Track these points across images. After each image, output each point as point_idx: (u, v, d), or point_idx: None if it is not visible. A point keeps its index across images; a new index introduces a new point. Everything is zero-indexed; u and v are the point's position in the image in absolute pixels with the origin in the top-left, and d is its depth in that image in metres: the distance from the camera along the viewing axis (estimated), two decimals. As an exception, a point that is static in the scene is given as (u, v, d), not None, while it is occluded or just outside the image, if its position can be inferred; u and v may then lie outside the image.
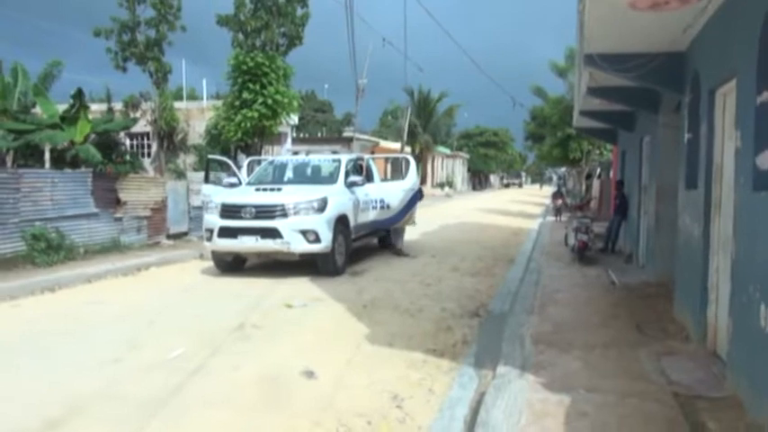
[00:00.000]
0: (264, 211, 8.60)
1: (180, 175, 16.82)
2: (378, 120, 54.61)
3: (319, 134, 40.46)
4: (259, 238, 8.54)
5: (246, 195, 9.18)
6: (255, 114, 16.25)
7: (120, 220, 12.20)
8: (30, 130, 16.63)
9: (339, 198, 9.32)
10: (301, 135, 34.56)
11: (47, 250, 10.20)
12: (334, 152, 10.82)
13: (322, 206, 8.76)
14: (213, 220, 8.90)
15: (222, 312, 6.87)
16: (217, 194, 9.55)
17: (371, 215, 10.91)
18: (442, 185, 46.14)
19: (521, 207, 31.66)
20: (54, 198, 10.75)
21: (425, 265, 10.78)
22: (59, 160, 16.95)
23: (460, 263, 11.15)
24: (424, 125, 40.36)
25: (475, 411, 4.21)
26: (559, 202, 20.97)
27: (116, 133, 18.24)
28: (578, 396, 4.26)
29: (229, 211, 8.77)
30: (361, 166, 11.32)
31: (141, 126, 19.35)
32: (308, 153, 11.01)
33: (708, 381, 4.66)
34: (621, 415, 3.96)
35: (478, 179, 68.11)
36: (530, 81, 25.73)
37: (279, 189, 9.26)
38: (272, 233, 8.49)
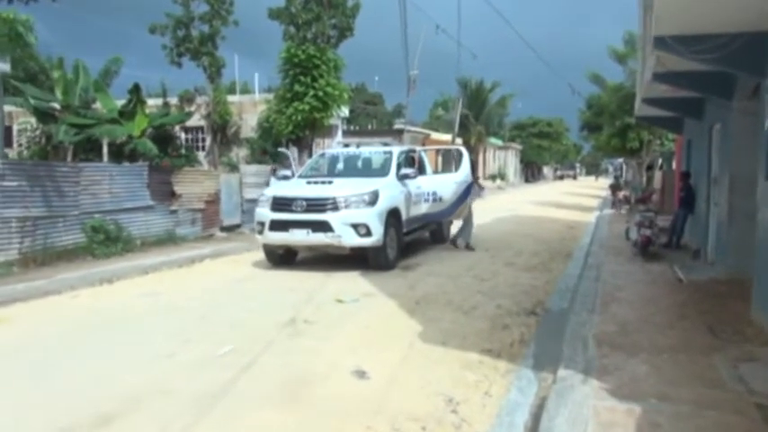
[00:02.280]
0: (315, 205, 8.52)
1: (233, 168, 17.02)
2: (429, 111, 54.11)
3: (369, 126, 40.37)
4: (310, 231, 8.46)
5: (297, 188, 9.12)
6: (306, 107, 16.27)
7: (175, 212, 12.40)
8: (90, 125, 17.16)
9: (390, 191, 9.15)
10: (352, 128, 34.62)
11: (105, 242, 10.46)
12: (386, 144, 10.64)
13: (373, 199, 8.60)
14: (265, 212, 8.88)
15: (273, 306, 6.82)
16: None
17: (424, 208, 10.68)
18: (494, 177, 45.37)
19: (576, 199, 30.78)
20: (112, 191, 11.00)
21: (479, 259, 10.49)
22: (118, 154, 17.43)
23: (515, 257, 10.81)
24: (476, 116, 39.66)
25: (536, 418, 3.97)
26: (620, 194, 20.16)
27: (171, 127, 18.62)
28: (649, 405, 3.95)
29: (280, 204, 8.72)
30: (413, 159, 11.10)
31: (196, 120, 19.72)
32: (358, 145, 10.87)
33: (794, 391, 4.26)
34: (699, 427, 3.64)
35: (531, 171, 66.73)
36: (587, 69, 24.79)
37: (330, 182, 9.16)
38: (323, 226, 8.40)
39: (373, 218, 8.49)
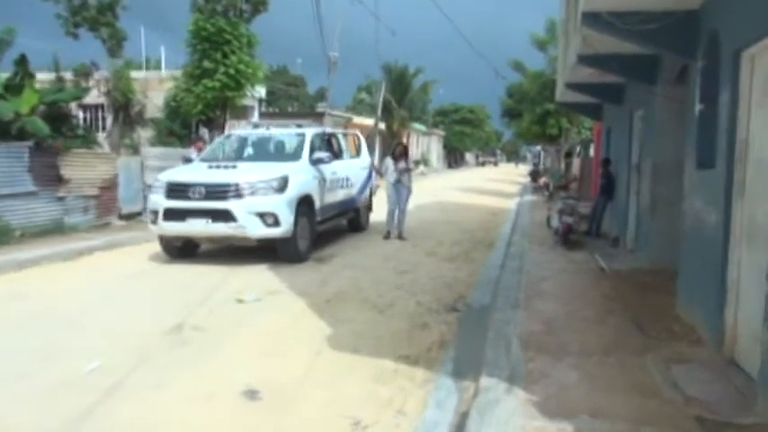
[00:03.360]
0: (216, 191, 7.60)
1: (136, 150, 15.62)
2: (352, 95, 53.16)
3: (289, 109, 39.04)
4: (210, 221, 7.54)
5: (196, 173, 8.14)
6: (217, 85, 15.12)
7: (63, 199, 11.07)
8: (-32, 101, 15.24)
9: (302, 176, 8.36)
10: (271, 109, 33.27)
11: (-26, 233, 9.09)
12: (299, 126, 9.81)
13: (282, 185, 7.78)
14: (158, 200, 7.86)
15: (161, 309, 5.91)
16: None
17: (340, 195, 9.98)
18: (417, 163, 45.18)
19: (497, 186, 31.01)
20: (-17, 175, 9.59)
21: (399, 249, 9.92)
22: (5, 134, 15.62)
23: (437, 247, 10.32)
24: (399, 101, 39.19)
25: (456, 442, 3.40)
26: (540, 180, 20.24)
27: (66, 105, 16.86)
28: (582, 423, 3.46)
29: (176, 190, 7.73)
30: (329, 142, 10.36)
31: (95, 97, 17.99)
32: (268, 127, 9.96)
33: (732, 398, 3.90)
34: (639, 451, 3.17)
35: (454, 157, 67.32)
36: (508, 57, 24.84)
37: (234, 167, 8.23)
38: (225, 216, 7.49)
39: (282, 206, 7.69)
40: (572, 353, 4.71)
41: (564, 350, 4.76)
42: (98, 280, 7.34)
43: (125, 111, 17.68)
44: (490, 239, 11.53)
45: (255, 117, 20.80)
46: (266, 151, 9.42)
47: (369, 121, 33.23)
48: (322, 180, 8.98)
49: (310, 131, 9.43)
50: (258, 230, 7.62)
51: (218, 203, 7.52)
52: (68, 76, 17.94)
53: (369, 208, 11.77)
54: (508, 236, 11.80)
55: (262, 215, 7.55)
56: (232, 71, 15.08)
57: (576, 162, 19.72)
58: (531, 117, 23.43)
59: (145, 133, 17.76)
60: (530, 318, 5.68)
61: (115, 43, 17.29)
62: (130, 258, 8.87)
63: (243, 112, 20.31)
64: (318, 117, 26.76)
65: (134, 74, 18.11)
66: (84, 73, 16.50)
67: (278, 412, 3.70)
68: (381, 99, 28.14)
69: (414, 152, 48.43)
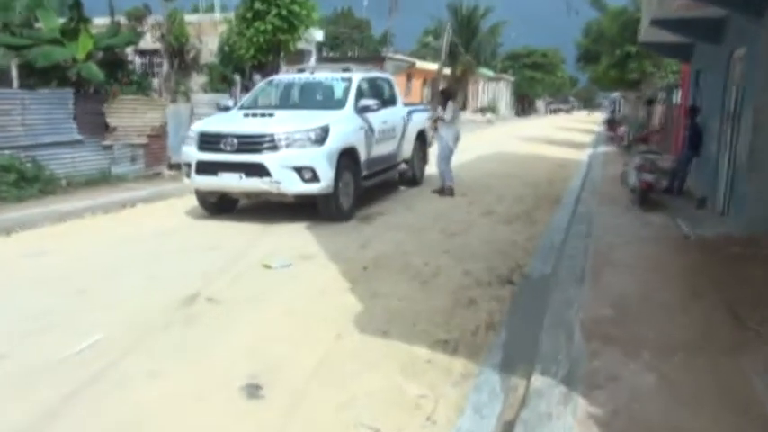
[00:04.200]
0: (249, 143, 6.95)
1: (189, 97, 15.26)
2: (418, 39, 51.17)
3: (350, 53, 37.93)
4: (243, 175, 6.94)
5: (231, 123, 7.51)
6: (269, 27, 14.40)
7: (109, 148, 10.83)
8: (27, 46, 15.23)
9: (345, 126, 7.58)
10: (332, 54, 32.35)
11: (18, 183, 8.94)
12: (346, 69, 8.97)
13: (321, 137, 7.04)
14: (190, 152, 7.32)
15: (181, 275, 5.40)
16: None
17: (389, 147, 9.17)
18: (483, 110, 43.40)
19: (568, 135, 29.18)
20: (26, 123, 9.38)
21: (453, 206, 9.09)
22: (63, 80, 15.61)
23: (496, 204, 9.41)
24: (466, 45, 37.35)
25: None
26: (618, 130, 18.54)
27: (122, 50, 16.64)
28: (661, 459, 2.66)
29: (208, 142, 7.15)
30: (380, 87, 9.49)
31: (151, 43, 17.70)
32: (313, 71, 9.17)
33: None
34: None
35: (523, 104, 64.47)
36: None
37: (271, 115, 7.54)
38: (259, 170, 6.87)
39: (321, 159, 6.98)
40: (647, 347, 3.85)
41: (637, 343, 3.91)
42: (127, 237, 6.94)
43: (180, 56, 17.33)
44: (556, 196, 10.49)
45: (312, 62, 20.01)
46: (309, 98, 8.68)
47: (433, 67, 31.77)
48: (369, 131, 8.18)
49: (357, 76, 8.58)
50: (295, 186, 6.97)
51: (251, 156, 6.88)
52: (123, 22, 17.70)
53: (424, 160, 10.91)
54: (577, 192, 10.71)
55: (299, 170, 6.88)
56: (284, 12, 14.28)
57: (658, 110, 17.91)
58: (610, 60, 21.43)
59: (200, 79, 17.38)
60: (596, 298, 4.81)
61: (169, -16, 16.76)
62: (170, 212, 8.48)
63: (299, 57, 19.56)
64: (379, 62, 25.70)
65: (188, 17, 17.61)
66: (137, 17, 16.14)
67: (278, 416, 3.08)
68: (446, 42, 26.61)
69: (480, 99, 46.54)
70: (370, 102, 8.05)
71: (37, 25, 17.46)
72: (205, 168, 7.13)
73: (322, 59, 23.35)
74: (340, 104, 7.95)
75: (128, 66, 17.30)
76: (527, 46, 61.00)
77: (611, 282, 5.27)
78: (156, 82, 18.20)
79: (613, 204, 9.34)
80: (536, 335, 4.14)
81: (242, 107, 8.40)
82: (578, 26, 26.65)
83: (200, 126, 7.53)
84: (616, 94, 34.64)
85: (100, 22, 17.14)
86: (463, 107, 40.65)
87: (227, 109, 8.42)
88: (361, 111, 8.02)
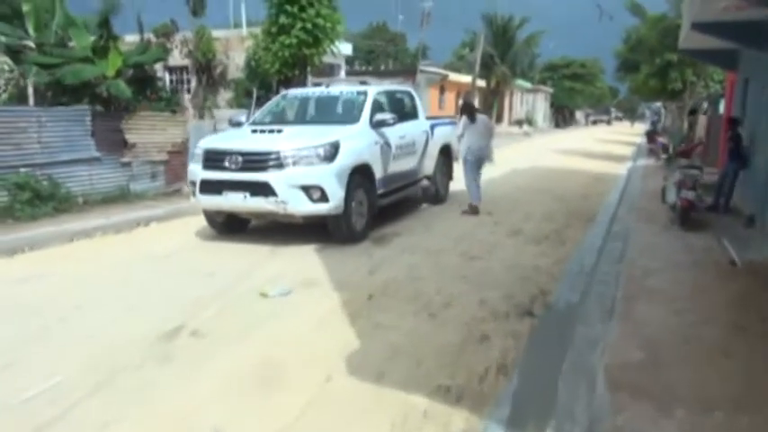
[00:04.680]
0: (254, 161, 6.59)
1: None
2: (454, 52, 50.70)
3: (382, 67, 37.70)
4: (248, 195, 6.57)
5: (236, 139, 7.17)
6: (293, 42, 14.17)
7: (128, 165, 10.68)
8: (58, 65, 15.41)
9: (358, 142, 7.16)
10: (363, 68, 32.16)
11: (32, 201, 8.82)
12: (363, 83, 8.59)
13: (331, 153, 6.64)
14: (195, 170, 7.01)
15: (170, 303, 5.03)
16: None
17: (410, 163, 8.72)
18: (520, 122, 42.56)
19: (608, 147, 28.19)
20: (42, 140, 9.29)
21: (477, 226, 8.56)
22: (94, 97, 15.74)
23: (523, 223, 8.84)
24: (501, 55, 36.66)
25: None
26: (659, 140, 17.67)
27: (151, 67, 16.72)
28: None
29: (213, 159, 6.82)
30: (400, 101, 9.07)
31: (181, 59, 17.77)
32: (328, 85, 8.81)
33: None
34: None
35: (562, 115, 63.12)
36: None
37: (279, 131, 7.18)
38: (264, 189, 6.49)
39: (330, 178, 6.57)
40: (682, 402, 3.29)
41: (671, 396, 3.35)
42: (128, 260, 6.63)
43: (208, 72, 17.33)
44: (590, 213, 9.84)
45: (342, 75, 19.79)
46: (322, 113, 8.32)
47: (467, 79, 31.25)
48: (385, 146, 7.75)
49: (374, 89, 8.18)
50: (302, 206, 6.57)
51: (255, 175, 6.51)
52: (153, 39, 17.81)
53: (448, 176, 10.42)
54: (613, 209, 10.05)
55: (306, 189, 6.48)
56: (309, 26, 14.05)
57: (701, 121, 16.98)
58: (649, 69, 20.55)
59: (227, 95, 17.32)
60: (626, 336, 4.24)
61: (197, 1, 16.81)
62: (181, 232, 8.20)
63: (328, 71, 19.38)
64: (411, 74, 25.35)
65: (216, 33, 17.62)
66: (164, 33, 16.19)
67: (237, 487, 2.64)
68: (480, 53, 26.10)
69: (517, 111, 45.70)
70: (387, 116, 7.63)
71: (71, 44, 17.73)
72: (209, 187, 6.81)
73: (352, 73, 23.14)
74: (354, 119, 7.54)
75: (157, 82, 17.38)
76: (565, 56, 59.85)
77: (645, 316, 4.68)
78: (186, 98, 18.27)
79: (651, 222, 8.68)
80: (553, 381, 3.62)
81: (253, 122, 8.08)
82: (618, 36, 25.79)
83: (206, 143, 7.22)
84: (658, 104, 33.43)
85: (131, 39, 17.30)
86: (499, 119, 39.93)
87: (239, 125, 8.12)
88: (377, 125, 7.60)
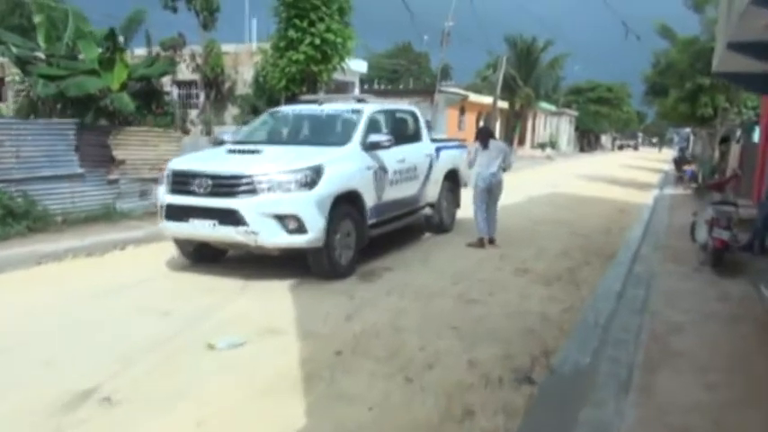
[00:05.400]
0: (223, 185, 5.82)
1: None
2: (477, 73, 50.04)
3: (401, 86, 37.13)
4: (216, 223, 5.81)
5: (209, 160, 6.43)
6: (301, 57, 13.57)
7: (114, 182, 10.06)
8: (64, 77, 15.05)
9: (346, 166, 6.38)
10: (383, 87, 31.59)
11: (3, 219, 8.21)
12: (360, 100, 7.86)
13: (311, 179, 5.85)
14: (161, 194, 6.30)
15: (100, 353, 4.24)
16: None
17: (410, 189, 7.92)
18: (543, 146, 41.56)
19: (634, 174, 27.11)
20: (21, 155, 8.70)
21: (482, 261, 7.70)
22: (99, 111, 15.33)
23: (534, 260, 7.96)
24: (525, 78, 35.88)
25: None
26: (688, 170, 16.63)
27: (157, 81, 16.27)
28: None
29: (180, 182, 6.09)
30: (401, 121, 8.31)
31: (189, 74, 17.31)
32: (321, 102, 8.06)
33: None
34: None
35: (587, 140, 61.91)
36: (655, 21, 20.91)
37: (257, 152, 6.43)
38: (233, 217, 5.71)
39: (308, 206, 5.78)
40: None
41: None
42: (81, 293, 5.86)
43: (216, 87, 16.83)
44: (610, 249, 8.90)
45: (356, 93, 19.15)
46: (311, 133, 7.58)
47: (488, 100, 30.50)
48: (380, 170, 6.97)
49: (370, 108, 7.42)
50: (276, 238, 5.78)
51: (224, 201, 5.75)
52: (163, 53, 17.39)
53: (454, 204, 9.59)
54: (636, 245, 9.09)
55: (281, 218, 5.70)
56: (318, 41, 13.44)
57: (734, 150, 15.94)
58: (679, 93, 19.55)
59: (234, 111, 16.78)
60: (644, 422, 3.36)
61: (208, 15, 16.37)
62: (154, 258, 7.47)
63: (343, 88, 18.76)
64: (429, 94, 24.69)
65: (226, 47, 17.14)
66: (171, 46, 15.74)
67: None
68: (501, 75, 25.34)
69: (540, 134, 44.73)
70: (382, 137, 6.85)
71: (81, 57, 17.40)
72: (175, 213, 6.07)
73: (368, 92, 22.51)
74: (344, 140, 6.77)
75: (163, 96, 16.93)
76: (591, 80, 58.80)
77: (669, 391, 3.79)
78: (193, 113, 17.78)
79: (679, 263, 7.74)
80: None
81: (236, 141, 7.36)
82: (647, 61, 24.79)
83: (174, 163, 6.50)
84: (687, 130, 32.25)
85: (142, 53, 16.91)
86: (521, 142, 39.02)
87: (221, 143, 7.43)
88: (370, 147, 6.82)
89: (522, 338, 4.93)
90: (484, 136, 8.92)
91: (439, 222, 9.03)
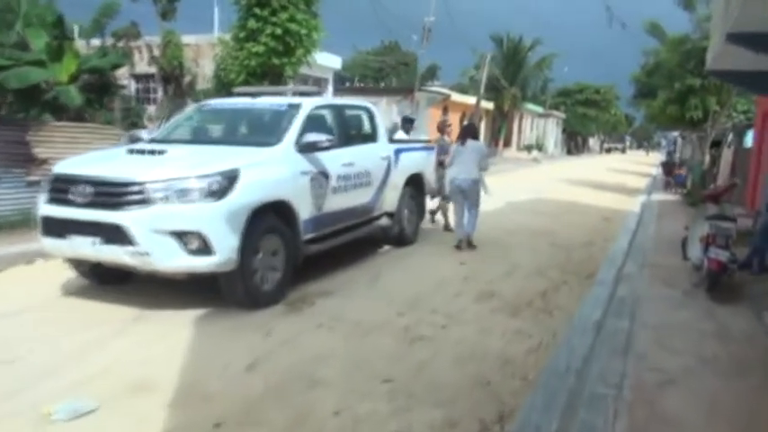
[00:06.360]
0: (107, 193, 4.67)
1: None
2: (460, 72, 49.05)
3: (382, 85, 36.02)
4: (99, 241, 4.70)
5: (100, 162, 5.27)
6: (261, 50, 12.46)
7: (35, 184, 8.87)
8: (7, 67, 13.82)
9: (272, 171, 5.26)
10: (361, 84, 30.48)
11: None
12: (303, 94, 6.76)
13: (222, 187, 4.73)
14: (40, 203, 5.16)
15: None
16: None
17: (361, 197, 6.84)
18: (529, 148, 40.62)
19: (621, 178, 26.23)
20: None
21: (442, 281, 6.62)
22: (45, 105, 14.13)
23: (503, 280, 6.91)
24: (511, 78, 34.90)
25: None
26: (677, 174, 15.74)
27: (111, 73, 15.05)
28: None
29: (59, 189, 4.93)
30: (353, 119, 7.23)
31: (147, 67, 16.11)
32: (255, 96, 6.88)
33: None
34: None
35: (575, 142, 61.17)
36: (644, 19, 20.00)
37: (161, 152, 5.31)
38: (118, 234, 4.61)
39: (215, 221, 4.66)
40: None
41: None
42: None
43: (176, 81, 15.64)
44: (592, 266, 7.88)
45: (329, 90, 18.06)
46: (238, 130, 6.48)
47: (473, 100, 29.49)
48: (319, 176, 5.86)
49: (311, 102, 6.31)
50: (172, 261, 4.64)
51: (105, 214, 4.62)
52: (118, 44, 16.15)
53: (418, 213, 8.53)
54: (620, 261, 8.08)
55: (179, 235, 4.59)
56: (279, 31, 12.34)
57: (726, 155, 15.03)
58: (668, 95, 18.63)
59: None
60: None
61: (167, 3, 15.19)
62: (55, 276, 6.28)
63: (316, 85, 17.64)
64: (409, 92, 23.62)
65: (186, 39, 15.94)
66: (122, 35, 14.53)
67: None
68: (485, 74, 24.32)
69: (527, 136, 43.84)
70: (320, 137, 5.75)
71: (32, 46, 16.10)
72: (52, 227, 4.93)
73: (344, 90, 21.40)
74: (274, 140, 5.66)
75: (117, 90, 15.73)
76: (579, 82, 58.07)
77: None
78: (151, 109, 16.58)
79: (669, 285, 6.74)
80: None
81: (152, 140, 6.22)
82: (637, 62, 23.87)
83: (60, 166, 5.36)
84: (675, 134, 31.45)
85: (96, 43, 15.67)
86: (507, 144, 38.10)
87: (138, 141, 6.30)
88: (306, 149, 5.72)
89: (472, 395, 3.87)
90: (465, 133, 8.45)
91: (399, 234, 7.95)
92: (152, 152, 5.28)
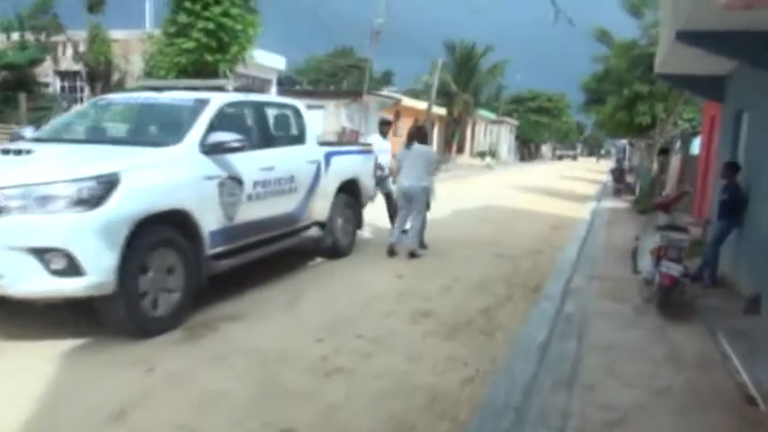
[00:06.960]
0: (-52, 202, 3.89)
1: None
2: (413, 78, 48.81)
3: (332, 88, 35.32)
4: (-60, 259, 3.86)
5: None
6: (192, 45, 11.60)
7: None
8: None
9: (165, 175, 4.47)
10: (308, 87, 29.69)
11: None
12: (217, 89, 6.01)
13: (95, 193, 3.92)
14: None
15: None
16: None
17: (285, 205, 6.12)
18: (482, 155, 40.54)
19: (571, 185, 26.22)
20: None
21: (373, 299, 5.96)
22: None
23: (442, 295, 6.29)
24: (464, 84, 34.72)
25: None
26: (626, 181, 15.60)
27: (29, 70, 13.88)
28: None
29: None
30: (276, 118, 6.51)
31: (75, 63, 14.97)
32: (160, 89, 6.05)
33: None
34: None
35: (528, 149, 61.77)
36: (593, 26, 19.97)
37: (28, 152, 4.46)
38: (-40, 252, 3.78)
39: (85, 234, 3.85)
40: None
41: None
42: None
43: (105, 79, 14.56)
44: (539, 278, 7.37)
45: (273, 92, 17.22)
46: (135, 128, 5.68)
47: (425, 105, 29.07)
48: (230, 181, 5.12)
49: (223, 97, 5.56)
50: (30, 283, 3.81)
51: (-55, 227, 3.80)
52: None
53: (354, 222, 7.86)
54: (569, 273, 7.61)
55: (39, 252, 3.79)
56: (212, 26, 11.51)
57: (674, 162, 14.94)
58: (617, 101, 18.58)
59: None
60: None
61: (94, -5, 14.14)
62: None
63: (260, 86, 16.79)
64: (357, 96, 22.99)
65: (115, 34, 14.87)
66: (42, 28, 13.42)
67: None
68: (437, 79, 23.91)
69: (480, 142, 43.84)
70: (228, 136, 5.00)
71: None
72: None
73: (290, 92, 20.57)
74: (174, 139, 4.89)
75: (39, 88, 14.57)
76: (532, 90, 58.72)
77: None
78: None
79: (618, 300, 6.28)
80: None
81: (35, 138, 5.34)
82: (587, 70, 23.89)
83: None
84: (624, 141, 31.80)
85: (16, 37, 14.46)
86: (460, 150, 37.92)
87: (20, 139, 5.41)
88: (213, 150, 4.97)
89: (389, 444, 3.20)
90: (412, 136, 8.06)
91: (332, 245, 7.26)
92: (18, 152, 4.44)
